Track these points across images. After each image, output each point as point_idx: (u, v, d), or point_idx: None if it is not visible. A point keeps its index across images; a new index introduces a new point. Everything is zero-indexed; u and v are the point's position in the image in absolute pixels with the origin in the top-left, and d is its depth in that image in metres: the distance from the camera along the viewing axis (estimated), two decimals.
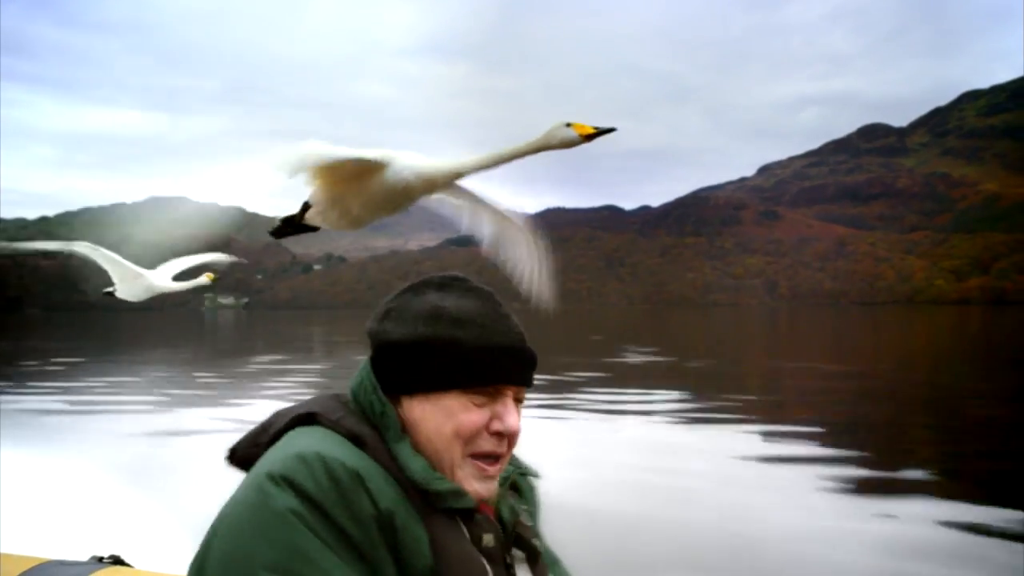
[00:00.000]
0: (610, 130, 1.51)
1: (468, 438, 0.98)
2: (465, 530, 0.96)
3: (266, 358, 21.80)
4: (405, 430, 0.99)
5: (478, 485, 0.99)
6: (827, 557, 4.58)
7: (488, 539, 0.97)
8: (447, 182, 1.68)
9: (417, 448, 0.98)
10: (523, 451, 1.12)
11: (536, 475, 1.17)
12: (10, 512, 3.33)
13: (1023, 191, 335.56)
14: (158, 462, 7.16)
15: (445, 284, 1.05)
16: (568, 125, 1.48)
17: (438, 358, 0.99)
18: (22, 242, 3.64)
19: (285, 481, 0.85)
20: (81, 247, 3.20)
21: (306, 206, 1.73)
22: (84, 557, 1.79)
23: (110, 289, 3.16)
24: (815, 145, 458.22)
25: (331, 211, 1.66)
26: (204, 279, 3.43)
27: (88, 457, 7.09)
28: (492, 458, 1.00)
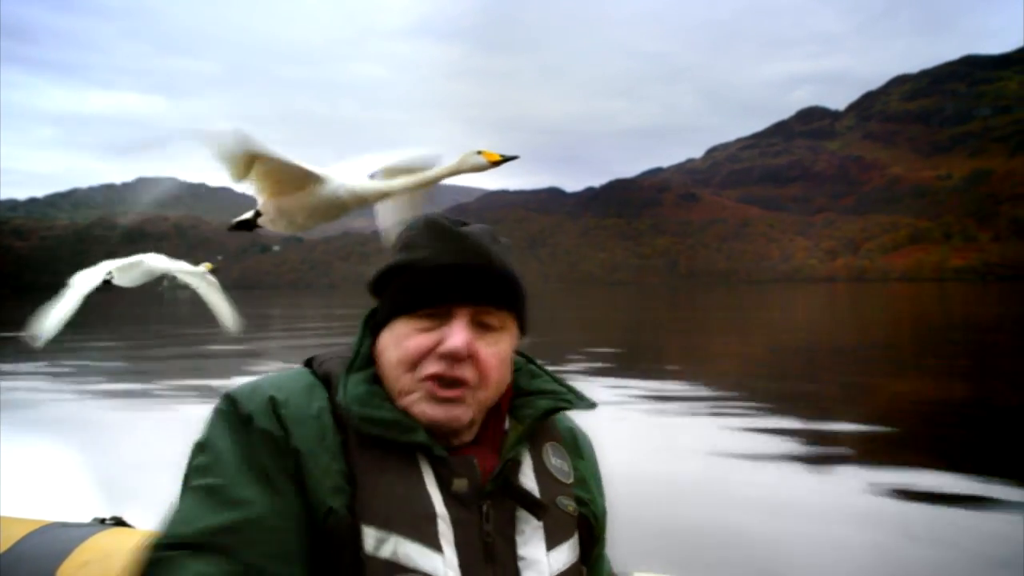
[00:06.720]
0: (513, 157, 1.75)
1: (412, 363, 0.97)
2: (427, 470, 0.94)
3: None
4: (373, 363, 1.01)
5: (428, 408, 0.95)
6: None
7: (460, 484, 0.93)
8: (376, 199, 1.91)
9: (381, 379, 1.00)
10: None
11: (577, 430, 1.14)
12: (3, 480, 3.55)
13: (922, 175, 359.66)
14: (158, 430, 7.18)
15: (427, 219, 1.04)
16: (479, 152, 1.68)
17: (389, 286, 1.02)
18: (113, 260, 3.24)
19: (229, 397, 0.97)
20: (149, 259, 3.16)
21: (257, 214, 1.92)
22: (86, 519, 1.81)
23: (107, 276, 3.04)
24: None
25: (280, 220, 1.88)
26: (202, 267, 3.54)
27: (74, 428, 7.46)
28: (446, 381, 0.96)
